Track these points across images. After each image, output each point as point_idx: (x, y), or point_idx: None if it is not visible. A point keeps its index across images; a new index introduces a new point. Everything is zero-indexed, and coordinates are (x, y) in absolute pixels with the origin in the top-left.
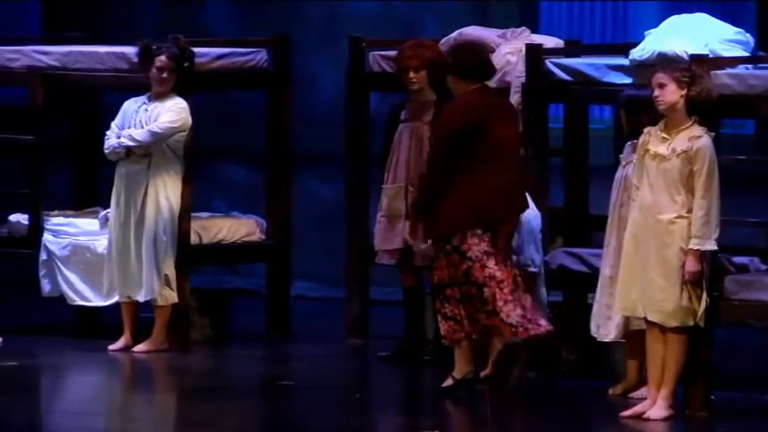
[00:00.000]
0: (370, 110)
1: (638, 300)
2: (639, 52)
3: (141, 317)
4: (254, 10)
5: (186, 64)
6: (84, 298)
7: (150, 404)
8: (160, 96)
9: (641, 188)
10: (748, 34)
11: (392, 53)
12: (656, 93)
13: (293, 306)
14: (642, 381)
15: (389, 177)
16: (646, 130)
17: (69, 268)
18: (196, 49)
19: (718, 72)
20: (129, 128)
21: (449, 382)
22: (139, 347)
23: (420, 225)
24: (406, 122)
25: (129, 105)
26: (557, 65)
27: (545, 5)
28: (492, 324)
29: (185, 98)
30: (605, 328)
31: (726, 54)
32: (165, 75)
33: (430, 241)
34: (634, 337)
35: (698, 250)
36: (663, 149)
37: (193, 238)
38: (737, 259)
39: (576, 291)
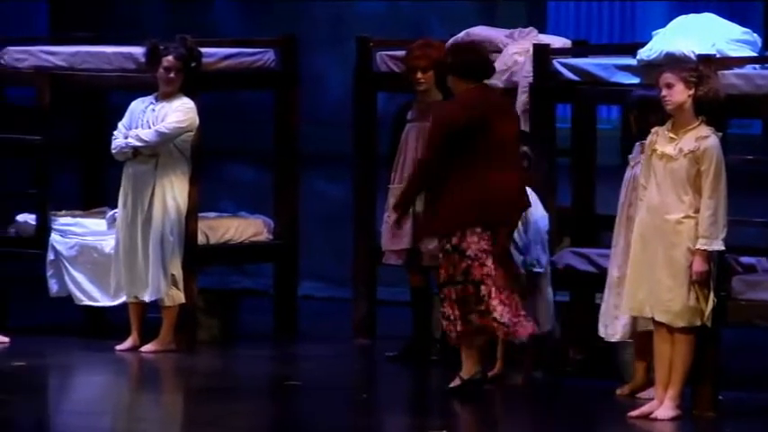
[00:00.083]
0: (378, 110)
1: (645, 300)
2: (647, 52)
3: (149, 317)
4: (262, 10)
5: (193, 64)
6: (91, 298)
7: (157, 404)
8: (167, 96)
9: (649, 188)
10: (755, 34)
11: (399, 53)
12: (664, 93)
13: (300, 306)
14: (650, 381)
15: (396, 177)
16: (653, 130)
17: (77, 268)
18: (203, 50)
19: (726, 72)
20: (136, 128)
21: (456, 382)
22: (147, 347)
23: (401, 218)
24: (413, 122)
25: (137, 105)
26: (564, 65)
27: (552, 5)
28: (485, 324)
29: (193, 98)
30: (612, 328)
31: (733, 54)
32: (172, 75)
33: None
34: (641, 337)
35: (705, 250)
36: (670, 149)
37: (201, 239)
38: (745, 259)
39: (583, 291)
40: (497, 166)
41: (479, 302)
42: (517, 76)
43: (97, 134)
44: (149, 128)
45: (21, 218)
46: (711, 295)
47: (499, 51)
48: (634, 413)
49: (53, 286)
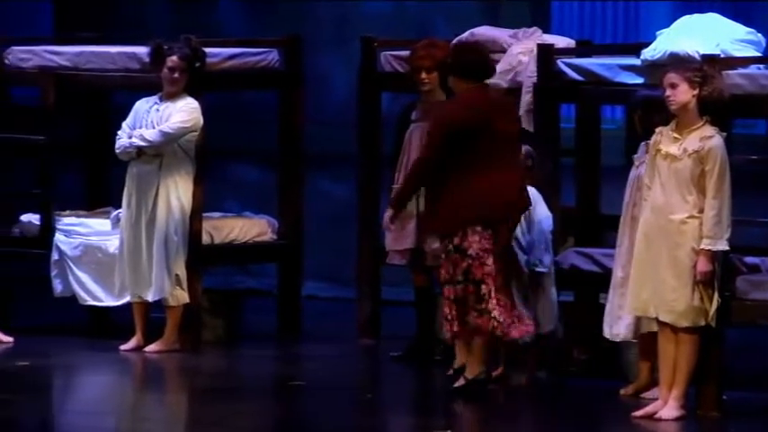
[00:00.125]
0: (382, 110)
1: (649, 300)
2: (651, 52)
3: (153, 317)
4: (266, 10)
5: (198, 64)
6: (95, 298)
7: (162, 404)
8: (171, 96)
9: (653, 188)
10: (760, 34)
11: (404, 53)
12: (668, 93)
13: (305, 306)
14: (654, 381)
15: (400, 177)
16: (657, 130)
17: (81, 268)
18: (208, 50)
19: (730, 72)
20: (140, 128)
21: (461, 381)
22: (151, 348)
23: (396, 216)
24: (417, 123)
25: (141, 105)
26: (568, 65)
27: (556, 5)
28: (482, 323)
29: (197, 98)
30: (616, 328)
31: (737, 54)
32: (176, 75)
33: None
34: (646, 337)
35: (709, 250)
36: (674, 149)
37: (205, 238)
38: (749, 259)
39: (587, 291)
40: (498, 166)
41: (480, 301)
42: (521, 75)
43: (101, 134)
44: (153, 128)
45: (25, 218)
46: (716, 295)
47: (503, 51)
48: (638, 413)
49: (57, 286)
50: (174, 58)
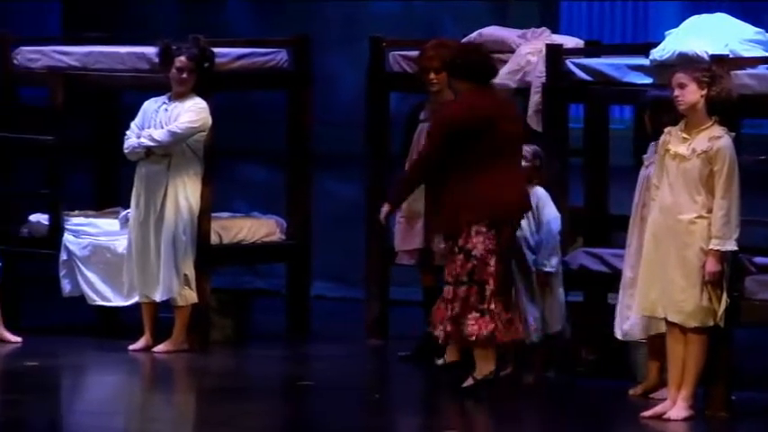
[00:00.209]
0: (390, 110)
1: (657, 300)
2: (660, 52)
3: (162, 317)
4: (275, 10)
5: (206, 64)
6: (104, 298)
7: (170, 404)
8: (180, 96)
9: (661, 188)
10: None
11: (412, 53)
12: (677, 93)
13: (313, 306)
14: (663, 381)
15: None
16: (666, 130)
17: (89, 268)
18: (216, 50)
19: (739, 72)
20: (148, 128)
21: (469, 381)
22: (160, 348)
23: (392, 213)
24: (425, 123)
25: (149, 105)
26: (577, 65)
27: (565, 5)
28: (479, 326)
29: (205, 98)
30: (626, 328)
31: (746, 54)
32: (184, 75)
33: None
34: (655, 337)
35: (718, 250)
36: (683, 149)
37: (214, 239)
38: (758, 259)
39: (595, 291)
40: (499, 167)
41: (482, 302)
42: (530, 76)
43: (110, 134)
44: (162, 128)
45: (34, 218)
46: (724, 295)
47: (512, 51)
48: (647, 413)
49: (66, 286)
50: (183, 58)
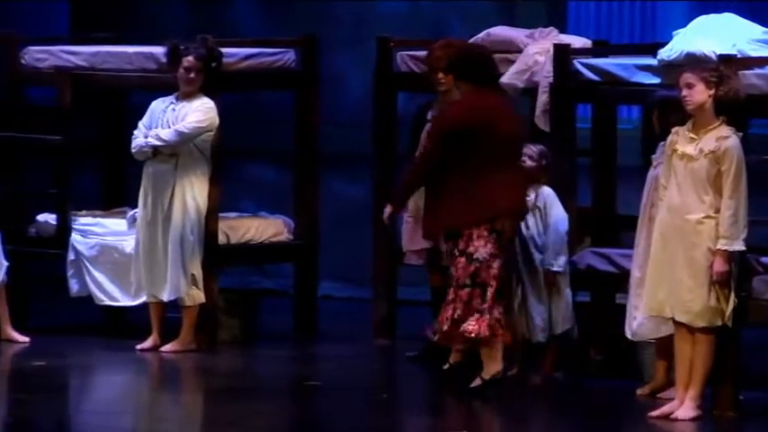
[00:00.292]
0: (398, 110)
1: (665, 300)
2: (667, 52)
3: (169, 317)
4: (282, 10)
5: (214, 64)
6: (111, 298)
7: (178, 404)
8: (188, 96)
9: (669, 188)
10: None
11: (420, 53)
12: (684, 93)
13: (320, 306)
14: (670, 381)
15: None
16: (674, 130)
17: (97, 268)
18: (224, 50)
19: (746, 72)
20: (156, 128)
21: (477, 382)
22: (167, 347)
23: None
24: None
25: (157, 105)
26: (584, 65)
27: (573, 5)
28: (479, 325)
29: (213, 98)
30: (628, 327)
31: (754, 54)
32: (192, 75)
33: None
34: (663, 337)
35: (726, 250)
36: (690, 149)
37: (221, 239)
38: (766, 259)
39: (603, 291)
40: (498, 168)
41: (483, 303)
42: (538, 76)
43: (118, 134)
44: (169, 127)
45: (41, 218)
46: (732, 295)
47: (519, 51)
48: (654, 413)
49: (74, 286)
50: (190, 58)
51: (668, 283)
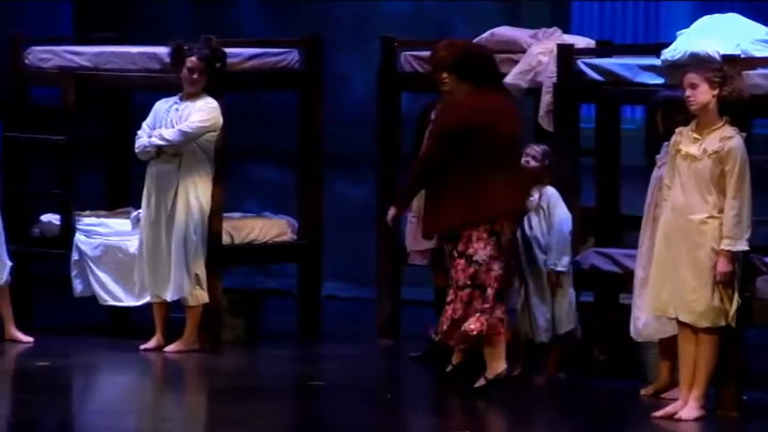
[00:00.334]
0: (402, 110)
1: (669, 300)
2: (671, 52)
3: (173, 317)
4: (286, 10)
5: (218, 64)
6: (115, 298)
7: (181, 404)
8: (191, 97)
9: (673, 188)
10: None
11: (424, 53)
12: (688, 93)
13: (324, 306)
14: (674, 381)
15: None
16: (678, 130)
17: (101, 268)
18: (228, 50)
19: (750, 72)
20: (160, 128)
21: (481, 382)
22: (171, 347)
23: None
24: None
25: (161, 105)
26: (588, 65)
27: (576, 5)
28: (480, 324)
29: (217, 98)
30: (633, 328)
31: (758, 54)
32: (195, 76)
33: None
34: (666, 337)
35: (729, 251)
36: (694, 150)
37: (225, 239)
38: None
39: (607, 291)
40: (498, 168)
41: (484, 302)
42: (541, 76)
43: (122, 134)
44: (173, 127)
45: (45, 218)
46: (736, 295)
47: (523, 51)
48: (658, 413)
49: (77, 286)
50: (194, 58)
51: (672, 284)
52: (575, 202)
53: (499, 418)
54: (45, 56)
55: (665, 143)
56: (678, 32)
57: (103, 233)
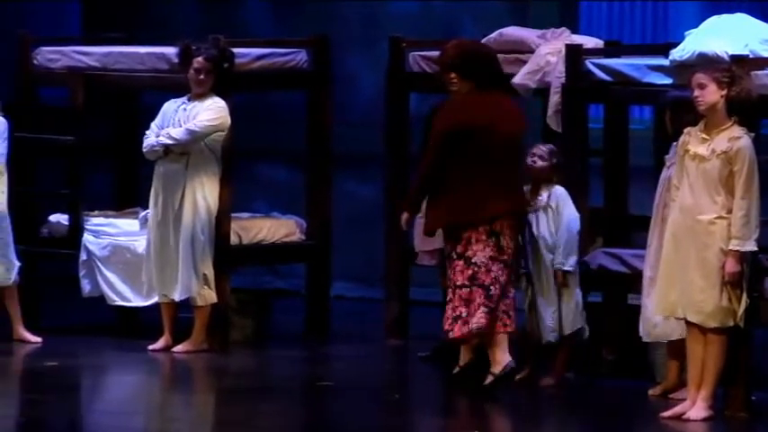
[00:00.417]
0: (410, 110)
1: (677, 300)
2: (680, 53)
3: (181, 317)
4: (294, 10)
5: (226, 65)
6: (123, 298)
7: (189, 404)
8: (199, 97)
9: (681, 189)
10: None
11: (432, 53)
12: (696, 93)
13: (333, 306)
14: (682, 382)
15: None
16: (686, 130)
17: (109, 268)
18: (236, 50)
19: (759, 72)
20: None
21: (489, 379)
22: (179, 348)
23: (405, 216)
24: None
25: (169, 106)
26: (597, 65)
27: (585, 6)
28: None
29: (225, 99)
30: (643, 328)
31: (766, 54)
32: (201, 76)
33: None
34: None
35: (738, 251)
36: (703, 150)
37: (233, 239)
38: None
39: (615, 291)
40: (498, 170)
41: (489, 300)
42: (549, 76)
43: (130, 134)
44: (180, 127)
45: (54, 218)
46: (744, 296)
47: (531, 52)
48: (666, 414)
49: (86, 286)
50: (200, 59)
51: (680, 284)
52: (583, 203)
53: (507, 419)
54: (54, 56)
55: (674, 143)
56: (686, 32)
57: (112, 233)
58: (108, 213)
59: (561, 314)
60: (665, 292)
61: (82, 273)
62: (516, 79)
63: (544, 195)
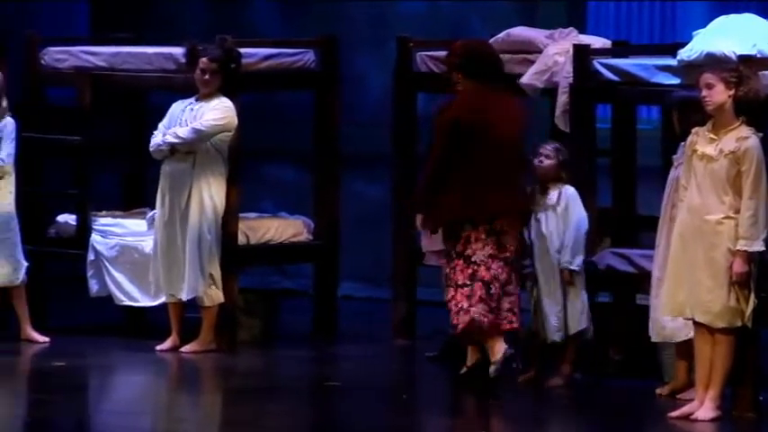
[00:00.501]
0: (417, 110)
1: (685, 301)
2: (687, 53)
3: (189, 317)
4: (302, 10)
5: (233, 65)
6: (131, 298)
7: (197, 405)
8: (206, 97)
9: (689, 189)
10: None
11: (439, 53)
12: (704, 93)
13: (340, 306)
14: (690, 382)
15: None
16: (694, 130)
17: (117, 268)
18: (244, 50)
19: (766, 72)
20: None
21: (492, 369)
22: (187, 348)
23: (420, 217)
24: None
25: (176, 107)
26: (604, 65)
27: (593, 6)
28: (488, 318)
29: (232, 99)
30: (652, 328)
31: None
32: (207, 77)
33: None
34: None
35: (745, 251)
36: (710, 150)
37: (241, 239)
38: None
39: (623, 291)
40: (498, 168)
41: (490, 299)
42: (557, 76)
43: (138, 135)
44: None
45: (61, 218)
46: (752, 296)
47: (539, 52)
48: (674, 414)
49: (93, 286)
50: (205, 59)
51: (688, 284)
52: (591, 203)
53: (514, 419)
54: (61, 56)
55: (682, 143)
56: (694, 32)
57: (119, 233)
58: (116, 213)
59: (567, 314)
60: (673, 293)
61: (90, 273)
62: (524, 79)
63: (554, 195)
